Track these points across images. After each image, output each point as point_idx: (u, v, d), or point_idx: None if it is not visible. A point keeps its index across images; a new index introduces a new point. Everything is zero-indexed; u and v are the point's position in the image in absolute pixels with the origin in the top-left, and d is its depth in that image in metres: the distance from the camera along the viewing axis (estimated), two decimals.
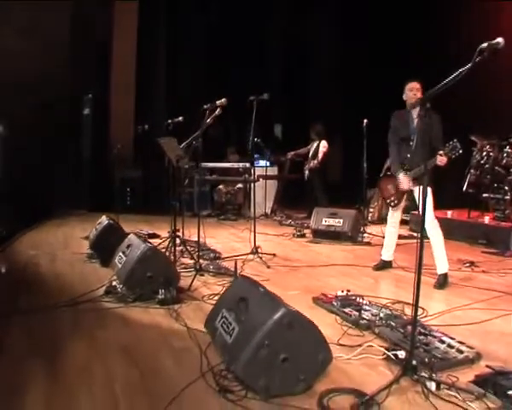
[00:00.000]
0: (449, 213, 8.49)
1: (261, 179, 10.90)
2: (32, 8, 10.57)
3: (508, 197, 7.78)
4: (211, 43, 12.70)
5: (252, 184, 10.42)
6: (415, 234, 8.26)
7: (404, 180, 5.56)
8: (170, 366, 3.22)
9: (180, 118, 7.03)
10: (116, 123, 11.59)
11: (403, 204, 5.89)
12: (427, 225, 5.22)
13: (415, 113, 5.51)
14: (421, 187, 5.14)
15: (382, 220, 9.56)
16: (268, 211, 11.16)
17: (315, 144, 10.37)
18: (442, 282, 5.26)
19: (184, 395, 2.78)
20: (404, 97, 5.54)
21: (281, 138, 14.47)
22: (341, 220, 7.88)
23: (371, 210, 10.17)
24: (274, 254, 6.66)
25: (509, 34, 9.43)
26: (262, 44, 13.73)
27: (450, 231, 7.85)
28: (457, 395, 2.80)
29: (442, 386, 2.88)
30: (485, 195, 8.20)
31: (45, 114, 10.29)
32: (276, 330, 2.76)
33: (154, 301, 4.44)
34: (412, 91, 5.43)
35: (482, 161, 8.11)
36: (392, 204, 5.80)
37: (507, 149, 7.86)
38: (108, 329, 3.90)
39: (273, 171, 11.72)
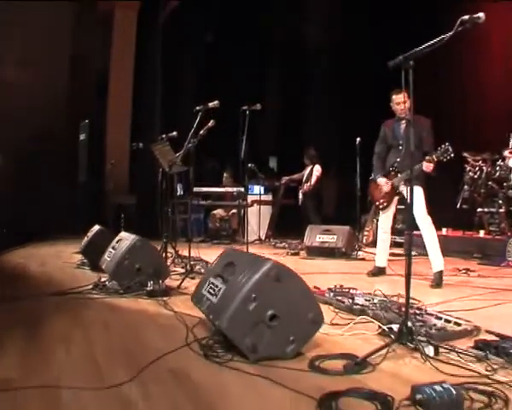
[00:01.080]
0: (444, 231, 8.41)
1: (255, 205, 10.83)
2: (32, 38, 10.80)
3: (502, 210, 7.71)
4: (207, 69, 12.85)
5: (246, 210, 10.44)
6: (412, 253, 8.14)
7: (382, 182, 5.67)
8: (154, 337, 3.14)
9: (174, 133, 7.00)
10: (112, 149, 11.58)
11: (393, 209, 5.85)
12: (419, 223, 5.27)
13: (403, 119, 5.55)
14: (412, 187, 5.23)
15: (375, 244, 9.50)
16: (262, 236, 11.02)
17: (309, 169, 10.35)
18: (438, 280, 5.16)
19: (167, 359, 2.67)
20: (392, 107, 5.60)
21: (276, 170, 14.46)
22: (335, 236, 7.79)
23: (366, 233, 10.07)
24: None
25: (499, 52, 9.66)
26: (260, 75, 13.86)
27: (446, 247, 7.69)
28: (458, 357, 2.69)
29: (441, 351, 2.77)
30: (479, 210, 8.13)
31: (44, 141, 10.39)
32: (264, 283, 2.66)
33: (143, 294, 4.35)
34: (399, 106, 5.49)
35: (475, 176, 8.08)
36: (381, 207, 5.82)
37: (499, 162, 7.84)
38: (94, 310, 3.84)
39: (268, 198, 11.66)
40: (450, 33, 3.01)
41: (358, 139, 8.37)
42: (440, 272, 5.23)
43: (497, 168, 7.83)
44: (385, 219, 5.88)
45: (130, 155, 11.55)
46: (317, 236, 7.95)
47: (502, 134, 8.05)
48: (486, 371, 2.49)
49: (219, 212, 11.05)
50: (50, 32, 11.40)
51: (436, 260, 5.27)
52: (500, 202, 7.79)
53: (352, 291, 4.31)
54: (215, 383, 2.40)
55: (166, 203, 6.86)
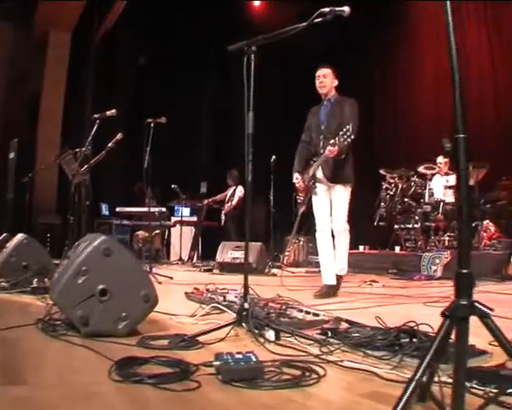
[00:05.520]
0: (361, 248, 8.33)
1: (178, 225, 10.60)
2: None
3: (417, 226, 7.68)
4: (139, 89, 12.71)
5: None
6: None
7: (294, 180, 5.09)
8: (12, 319, 3.02)
9: (83, 148, 6.76)
10: (41, 167, 11.24)
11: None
12: (336, 226, 4.83)
13: (326, 101, 4.96)
14: (338, 187, 4.84)
15: (297, 265, 9.47)
16: (185, 257, 10.71)
17: (231, 190, 10.25)
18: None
19: (8, 331, 2.63)
20: None
21: (206, 194, 14.27)
22: None
23: (287, 253, 9.89)
24: (171, 277, 6.24)
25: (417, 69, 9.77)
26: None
27: (361, 264, 7.70)
28: (297, 341, 2.51)
29: (282, 335, 2.58)
30: (396, 226, 8.08)
31: None
32: (94, 256, 2.61)
33: (28, 291, 4.25)
34: (319, 79, 4.89)
35: (392, 193, 8.03)
36: (299, 201, 5.18)
37: (414, 178, 7.84)
38: None
39: (193, 219, 11.43)
40: (305, 24, 2.93)
41: (273, 157, 8.38)
42: (341, 277, 4.91)
43: (412, 183, 7.82)
44: (319, 218, 5.05)
45: (59, 174, 11.22)
46: (228, 252, 7.82)
47: (419, 150, 8.12)
48: (321, 352, 2.31)
49: (142, 232, 10.72)
50: None
51: (341, 264, 4.87)
52: (416, 217, 7.75)
53: (229, 292, 4.10)
54: (36, 348, 2.40)
55: (73, 213, 6.56)
